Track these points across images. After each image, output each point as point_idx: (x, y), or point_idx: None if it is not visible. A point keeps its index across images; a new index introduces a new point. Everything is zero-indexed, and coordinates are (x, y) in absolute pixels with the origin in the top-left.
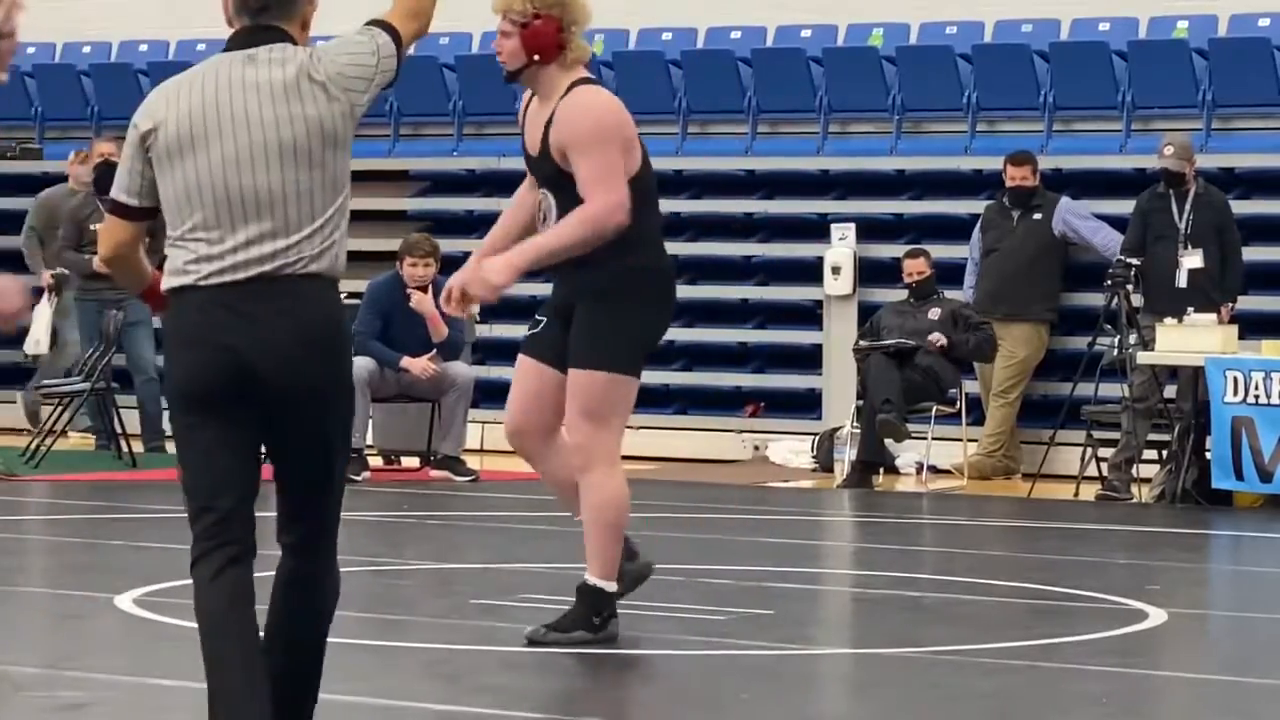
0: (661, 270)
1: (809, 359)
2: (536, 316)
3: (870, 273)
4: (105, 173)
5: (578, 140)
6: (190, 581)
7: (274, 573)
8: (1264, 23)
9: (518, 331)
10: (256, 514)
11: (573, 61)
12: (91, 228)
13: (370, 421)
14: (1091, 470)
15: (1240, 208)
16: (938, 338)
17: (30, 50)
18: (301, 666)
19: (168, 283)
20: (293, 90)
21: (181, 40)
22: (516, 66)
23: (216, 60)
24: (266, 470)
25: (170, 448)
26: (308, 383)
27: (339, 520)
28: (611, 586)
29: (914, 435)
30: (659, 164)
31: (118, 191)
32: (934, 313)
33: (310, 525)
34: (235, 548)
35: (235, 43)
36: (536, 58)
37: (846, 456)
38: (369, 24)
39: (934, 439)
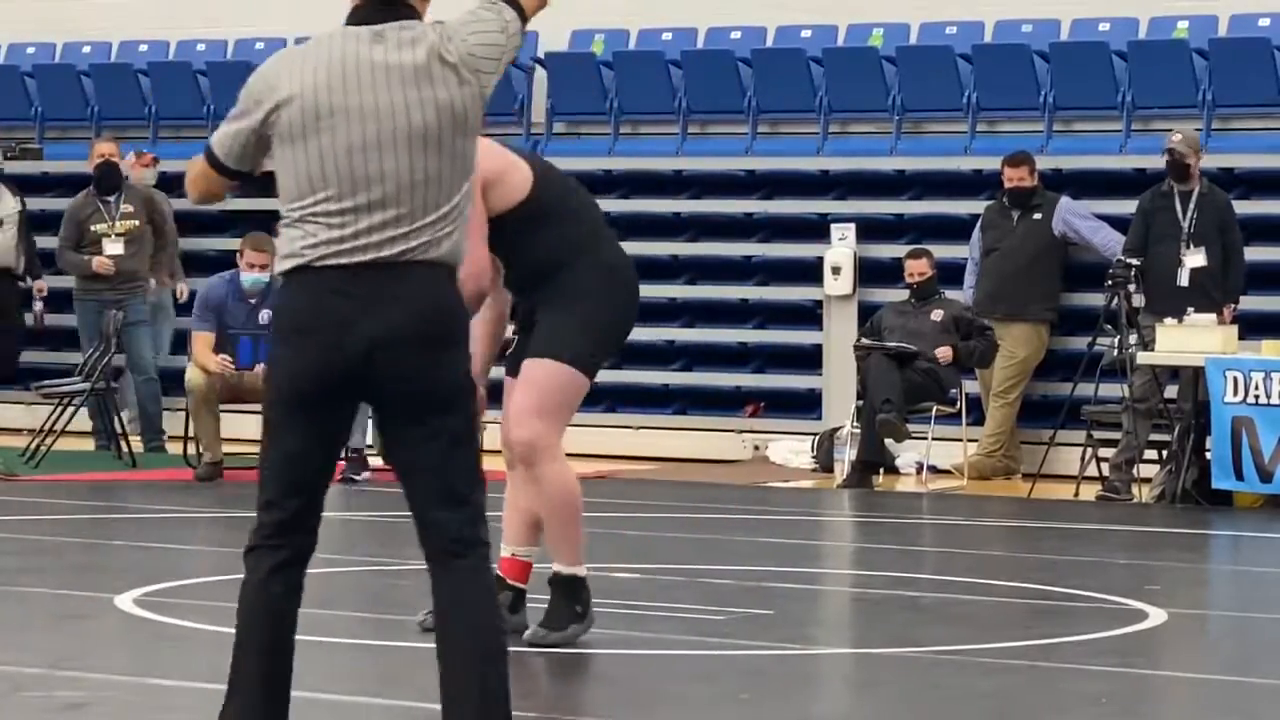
0: (616, 267)
1: (809, 359)
2: (511, 334)
3: (870, 273)
4: (107, 173)
5: None
6: (192, 581)
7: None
8: (1264, 23)
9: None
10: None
11: None
12: (92, 228)
13: (370, 421)
14: (1091, 470)
15: (1240, 208)
16: (946, 353)
17: (30, 50)
18: (488, 678)
19: (282, 265)
20: (424, 73)
21: (182, 40)
22: None
23: (341, 34)
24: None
25: (170, 448)
26: (422, 373)
27: (485, 520)
28: (582, 571)
29: (914, 435)
30: (660, 164)
31: (219, 149)
32: (936, 314)
33: (453, 523)
34: (289, 552)
35: (360, 16)
36: None
37: (846, 456)
38: None
39: (934, 439)
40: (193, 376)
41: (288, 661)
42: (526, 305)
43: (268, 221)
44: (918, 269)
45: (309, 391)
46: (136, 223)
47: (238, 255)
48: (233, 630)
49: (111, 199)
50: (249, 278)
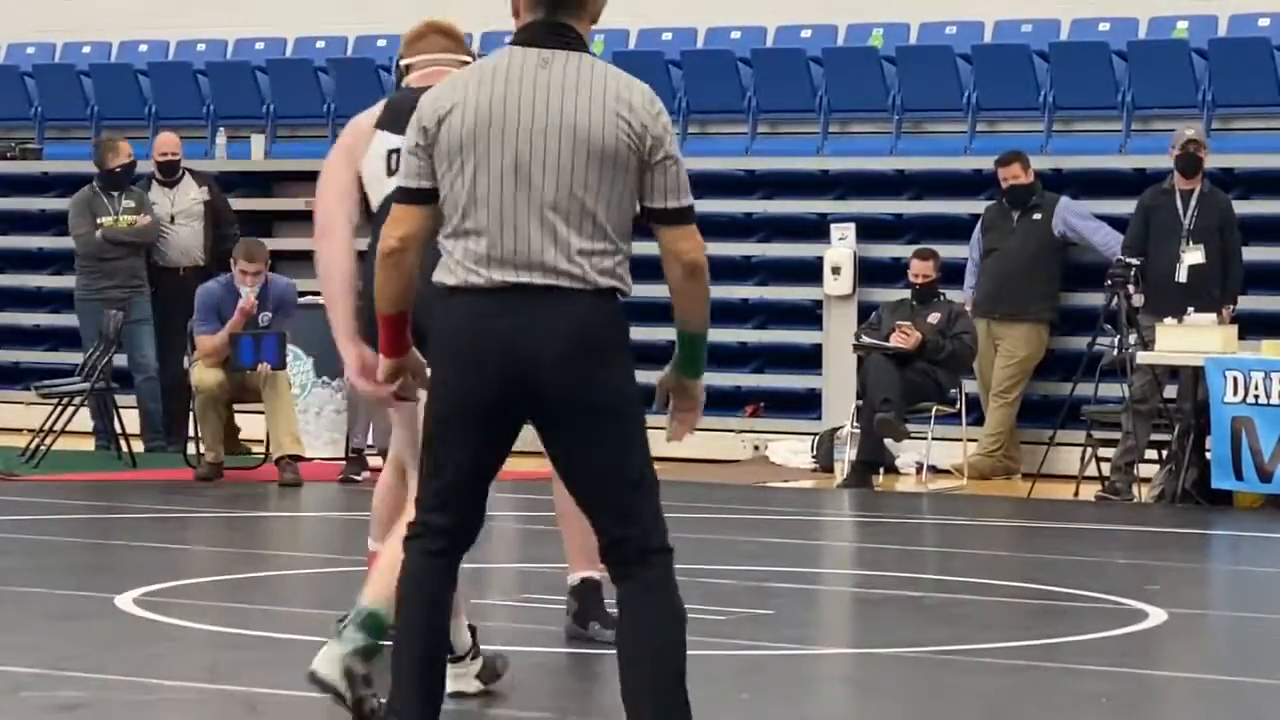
0: None
1: (809, 359)
2: None
3: (870, 273)
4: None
5: None
6: (192, 581)
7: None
8: (1264, 23)
9: None
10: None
11: None
12: (100, 221)
13: (370, 421)
14: (1091, 470)
15: (1240, 208)
16: (908, 339)
17: (30, 50)
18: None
19: (442, 278)
20: (597, 109)
21: (181, 40)
22: None
23: (509, 53)
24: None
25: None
26: (583, 391)
27: (663, 532)
28: (600, 574)
29: (914, 435)
30: None
31: (403, 179)
32: (934, 317)
33: (628, 537)
34: (449, 548)
35: (526, 37)
36: None
37: (846, 456)
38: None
39: (934, 439)
40: (200, 377)
41: (444, 643)
42: None
43: (269, 223)
44: (923, 270)
45: (467, 410)
46: (134, 218)
47: (232, 262)
48: (231, 630)
49: (116, 194)
50: (245, 291)
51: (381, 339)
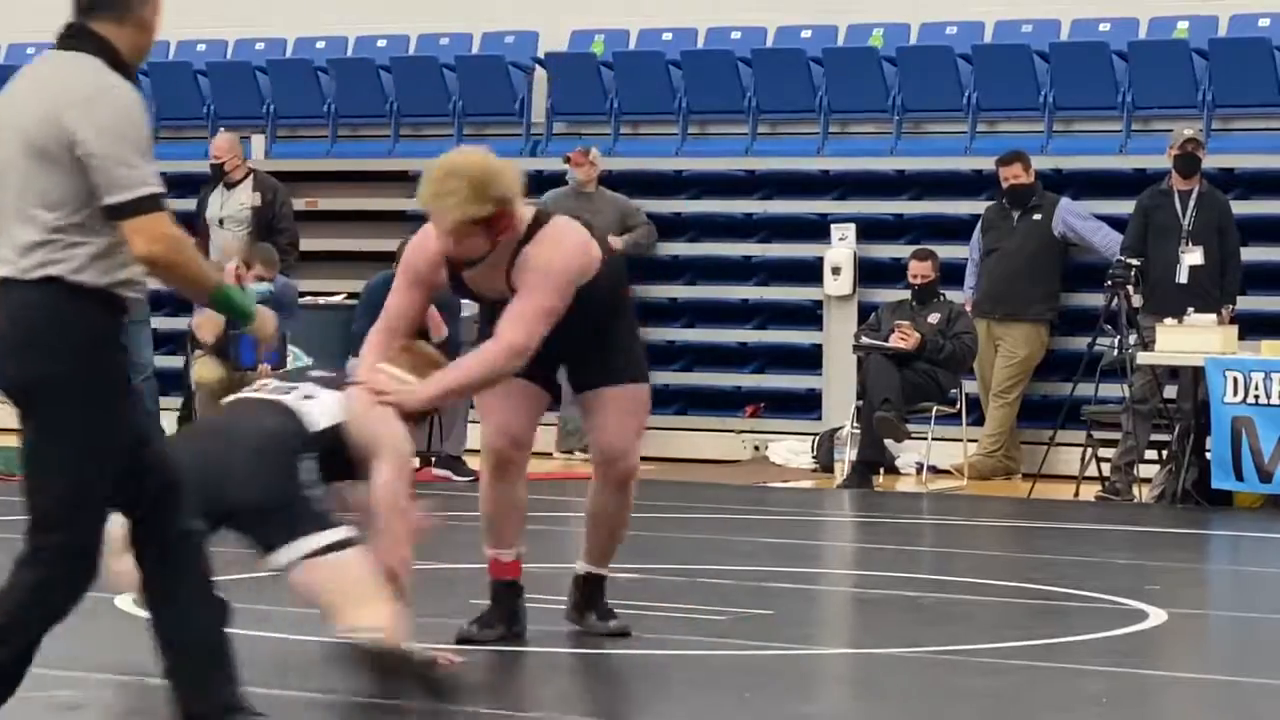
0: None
1: (809, 359)
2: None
3: (870, 273)
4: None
5: (538, 274)
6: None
7: None
8: (1264, 23)
9: None
10: None
11: (520, 220)
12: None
13: None
14: (1091, 470)
15: (1240, 208)
16: (907, 340)
17: (30, 50)
18: None
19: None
20: (42, 108)
21: (182, 40)
22: (484, 253)
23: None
24: None
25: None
26: (14, 380)
27: (60, 524)
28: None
29: (914, 435)
30: (659, 164)
31: None
32: (933, 317)
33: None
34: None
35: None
36: (501, 238)
37: (846, 456)
38: None
39: (934, 439)
40: (200, 373)
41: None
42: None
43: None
44: (921, 271)
45: None
46: None
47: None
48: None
49: None
50: (252, 289)
51: None
